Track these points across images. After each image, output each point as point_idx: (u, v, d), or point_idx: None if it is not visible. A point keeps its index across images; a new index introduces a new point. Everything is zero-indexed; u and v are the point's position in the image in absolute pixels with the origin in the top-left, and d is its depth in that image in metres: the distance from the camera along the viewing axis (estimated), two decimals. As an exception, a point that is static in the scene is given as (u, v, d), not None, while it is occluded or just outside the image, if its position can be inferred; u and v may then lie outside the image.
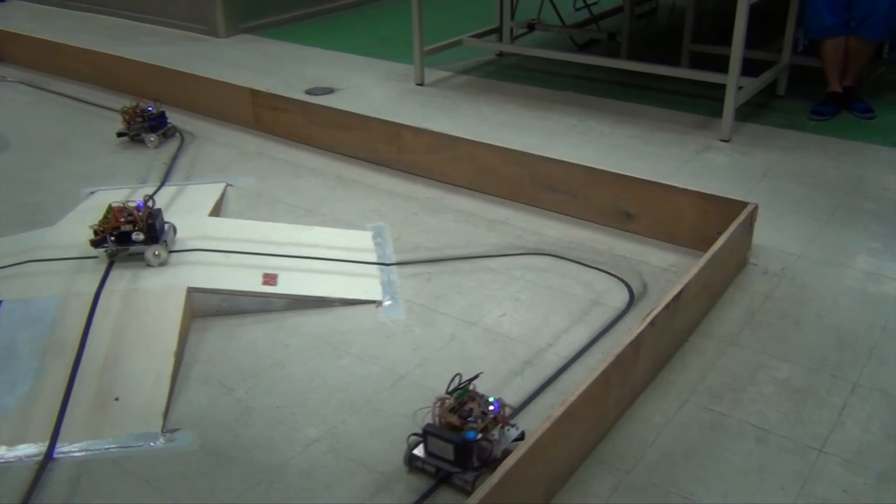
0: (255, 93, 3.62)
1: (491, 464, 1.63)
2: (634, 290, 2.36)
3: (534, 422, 1.74)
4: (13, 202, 3.02)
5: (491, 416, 1.69)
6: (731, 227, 2.30)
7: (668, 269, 2.47)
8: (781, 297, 2.31)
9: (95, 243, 2.38)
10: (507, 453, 1.60)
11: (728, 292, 2.33)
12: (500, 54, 4.77)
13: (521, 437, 1.72)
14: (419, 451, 1.71)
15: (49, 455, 1.77)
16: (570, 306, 2.29)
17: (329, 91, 4.17)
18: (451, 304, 2.31)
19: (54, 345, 2.08)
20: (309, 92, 4.12)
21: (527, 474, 1.51)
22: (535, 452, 1.52)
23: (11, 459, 1.77)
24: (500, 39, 4.70)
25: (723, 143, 3.36)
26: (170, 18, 5.68)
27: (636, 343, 1.82)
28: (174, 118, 3.70)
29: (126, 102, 3.60)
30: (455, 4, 5.86)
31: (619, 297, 2.33)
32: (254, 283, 2.34)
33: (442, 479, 1.69)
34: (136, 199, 2.44)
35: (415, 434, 1.73)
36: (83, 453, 1.78)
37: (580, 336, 2.16)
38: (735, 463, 1.72)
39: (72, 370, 1.99)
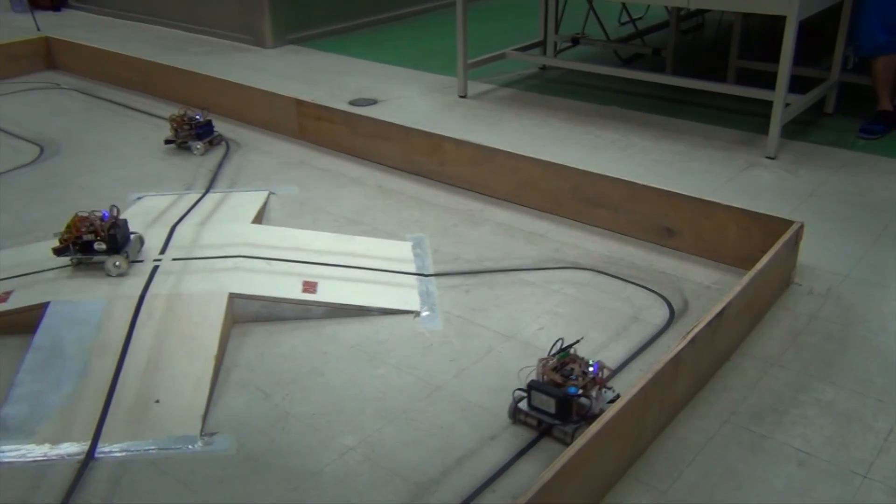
0: (300, 103, 3.66)
1: (589, 419, 1.75)
2: (675, 307, 2.33)
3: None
4: (62, 206, 3.09)
5: (590, 376, 1.80)
6: (776, 246, 2.26)
7: (710, 286, 2.44)
8: (826, 319, 2.26)
9: (59, 251, 2.38)
10: (602, 412, 1.66)
11: (771, 312, 2.29)
12: (544, 68, 4.77)
13: (616, 398, 1.81)
14: (523, 405, 1.85)
15: (91, 454, 1.81)
16: (609, 322, 2.28)
17: (372, 102, 4.21)
18: (489, 317, 2.31)
19: (99, 346, 2.12)
20: (353, 103, 4.16)
21: (563, 490, 1.50)
22: (572, 469, 1.51)
23: (54, 458, 1.81)
24: (544, 53, 4.70)
25: (768, 161, 3.31)
26: (219, 29, 5.79)
27: (676, 361, 1.79)
28: (220, 127, 3.77)
29: (174, 110, 3.68)
30: (499, 17, 5.89)
31: (659, 314, 2.31)
32: (294, 291, 2.36)
33: (544, 431, 1.79)
34: (103, 209, 2.45)
35: (520, 389, 1.86)
36: (123, 454, 1.82)
37: (619, 352, 2.14)
38: (776, 486, 1.68)
39: (115, 372, 2.03)
